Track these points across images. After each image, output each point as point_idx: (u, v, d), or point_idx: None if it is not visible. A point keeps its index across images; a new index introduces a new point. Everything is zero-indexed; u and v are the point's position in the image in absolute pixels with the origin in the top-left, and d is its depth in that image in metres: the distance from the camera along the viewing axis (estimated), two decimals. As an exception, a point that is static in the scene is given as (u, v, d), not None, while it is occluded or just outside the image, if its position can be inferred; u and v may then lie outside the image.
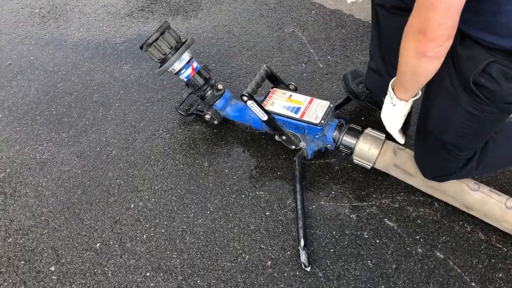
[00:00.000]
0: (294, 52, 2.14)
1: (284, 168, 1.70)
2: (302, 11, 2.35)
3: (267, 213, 1.58)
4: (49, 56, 2.25)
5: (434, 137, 1.32)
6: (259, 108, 1.57)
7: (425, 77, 1.13)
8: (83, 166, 1.77)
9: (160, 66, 1.70)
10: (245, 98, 1.56)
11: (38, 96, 2.05)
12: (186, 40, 1.70)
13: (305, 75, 2.03)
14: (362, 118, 1.84)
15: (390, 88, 1.27)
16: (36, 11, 2.54)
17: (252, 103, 1.56)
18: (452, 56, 1.13)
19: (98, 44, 2.29)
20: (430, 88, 1.26)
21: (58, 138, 1.87)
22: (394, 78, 1.26)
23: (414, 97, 1.24)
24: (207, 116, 1.77)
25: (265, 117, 1.59)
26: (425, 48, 1.00)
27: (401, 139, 1.45)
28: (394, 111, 1.30)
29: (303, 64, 2.08)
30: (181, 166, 1.74)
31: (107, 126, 1.90)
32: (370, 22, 1.55)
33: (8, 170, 1.78)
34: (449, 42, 1.00)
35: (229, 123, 1.85)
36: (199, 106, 1.87)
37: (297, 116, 1.60)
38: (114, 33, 2.34)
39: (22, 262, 1.52)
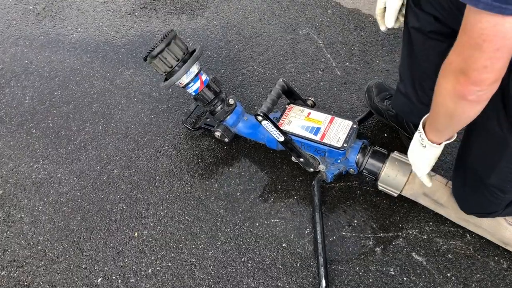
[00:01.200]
0: (309, 58, 1.98)
1: (301, 191, 1.56)
2: (317, 11, 2.18)
3: (284, 245, 1.45)
4: (45, 60, 2.08)
5: (476, 177, 1.18)
6: (275, 128, 1.43)
7: (464, 121, 0.99)
8: (83, 187, 1.63)
9: (166, 79, 1.55)
10: (259, 118, 1.41)
11: (33, 106, 1.90)
12: (195, 51, 1.54)
13: (322, 84, 1.87)
14: (385, 135, 1.70)
15: (420, 127, 1.13)
16: (31, 7, 2.36)
17: (267, 123, 1.42)
18: (502, 94, 0.97)
19: (97, 46, 2.13)
20: (473, 124, 1.11)
21: (56, 155, 1.73)
22: (426, 115, 1.11)
23: (448, 140, 1.11)
24: (217, 134, 1.62)
25: (281, 138, 1.45)
26: (466, 91, 0.86)
27: (428, 183, 1.30)
28: (424, 154, 1.16)
29: (320, 72, 1.92)
30: (189, 188, 1.60)
31: (107, 141, 1.76)
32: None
33: (1, 192, 1.64)
34: (496, 86, 0.85)
35: (240, 139, 1.70)
36: (208, 119, 1.72)
37: (317, 138, 1.45)
38: (115, 34, 2.17)
39: (17, 299, 1.39)
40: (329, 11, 2.18)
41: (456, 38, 0.83)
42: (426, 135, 1.12)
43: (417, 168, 1.24)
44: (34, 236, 1.52)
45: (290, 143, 1.46)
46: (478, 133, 1.10)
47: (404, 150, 1.58)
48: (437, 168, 1.59)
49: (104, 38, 2.16)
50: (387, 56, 1.94)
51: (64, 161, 1.71)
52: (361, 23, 2.10)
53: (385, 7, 1.27)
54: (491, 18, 0.73)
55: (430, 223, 1.47)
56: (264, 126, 1.44)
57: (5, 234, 1.53)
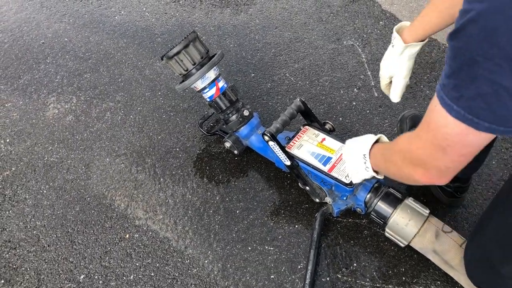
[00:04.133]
0: (347, 72, 1.82)
1: (304, 221, 1.45)
2: (369, 21, 2.00)
3: (272, 277, 1.35)
4: (83, 40, 2.09)
5: (489, 262, 1.02)
6: (281, 151, 1.32)
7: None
8: (88, 177, 1.62)
9: (182, 81, 1.48)
10: (266, 138, 1.32)
11: (62, 85, 1.91)
12: (214, 55, 1.46)
13: (354, 103, 1.72)
14: (411, 172, 1.52)
15: (367, 155, 1.10)
16: (82, -16, 2.38)
17: (274, 144, 1.32)
18: None
19: (136, 32, 2.10)
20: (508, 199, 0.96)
21: (71, 140, 1.73)
22: (374, 150, 1.10)
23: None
24: (227, 144, 1.54)
25: (287, 162, 1.34)
26: (421, 180, 0.85)
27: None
28: (364, 174, 1.16)
29: (355, 89, 1.76)
30: (190, 196, 1.54)
31: (123, 133, 1.73)
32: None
33: (13, 169, 1.67)
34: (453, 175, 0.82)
35: (253, 153, 1.61)
36: (224, 126, 1.64)
37: (325, 169, 1.33)
38: (155, 22, 2.13)
39: (2, 281, 1.41)
40: (381, 22, 1.99)
41: (419, 126, 0.79)
42: (370, 161, 1.10)
43: (351, 176, 1.24)
44: (33, 220, 1.54)
45: (296, 169, 1.35)
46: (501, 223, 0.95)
47: (428, 194, 1.44)
48: (461, 221, 1.41)
49: (144, 24, 2.13)
50: (434, 83, 1.74)
51: (77, 147, 1.70)
52: (413, 40, 1.90)
53: (390, 81, 1.25)
54: (458, 127, 0.67)
55: (438, 282, 1.31)
56: (271, 147, 1.34)
57: (7, 213, 1.56)
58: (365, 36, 1.95)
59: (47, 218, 1.53)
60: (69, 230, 1.50)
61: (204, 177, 1.58)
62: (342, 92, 1.76)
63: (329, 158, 1.34)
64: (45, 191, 1.60)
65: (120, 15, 2.19)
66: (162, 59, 1.44)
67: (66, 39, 2.10)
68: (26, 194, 1.60)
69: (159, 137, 1.70)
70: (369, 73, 1.81)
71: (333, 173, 1.32)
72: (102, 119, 1.78)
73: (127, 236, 1.47)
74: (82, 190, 1.59)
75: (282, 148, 1.32)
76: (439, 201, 1.44)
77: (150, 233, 1.47)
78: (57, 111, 1.82)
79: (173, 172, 1.60)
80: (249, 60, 1.92)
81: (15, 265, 1.44)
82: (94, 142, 1.71)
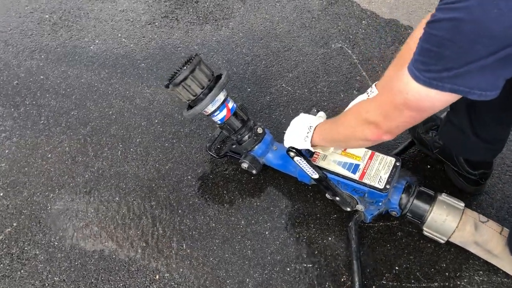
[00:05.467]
0: (343, 75, 1.82)
1: (336, 231, 1.43)
2: (351, 21, 2.01)
3: (318, 294, 1.32)
4: (61, 75, 1.97)
5: None
6: (308, 165, 1.29)
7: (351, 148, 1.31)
8: (100, 221, 1.52)
9: (189, 106, 1.42)
10: (292, 154, 1.29)
11: (49, 127, 1.79)
12: (220, 76, 1.41)
13: (357, 105, 1.72)
14: (428, 167, 1.54)
15: (312, 129, 1.23)
16: (47, 16, 2.25)
17: (300, 159, 1.29)
18: None
19: (116, 60, 2.01)
20: None
21: (72, 183, 1.62)
22: (322, 122, 1.25)
23: (324, 151, 1.27)
24: (244, 165, 1.49)
25: (316, 176, 1.32)
26: (373, 137, 0.99)
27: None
28: (300, 143, 1.26)
29: (355, 91, 1.76)
30: (214, 224, 1.48)
31: (127, 169, 1.64)
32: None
33: (15, 224, 1.54)
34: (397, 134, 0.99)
35: (269, 169, 1.57)
36: (234, 146, 1.59)
37: (356, 177, 1.31)
38: (134, 47, 2.05)
39: None
40: (363, 22, 2.01)
41: (379, 92, 0.96)
42: (312, 136, 1.22)
43: (287, 138, 1.31)
44: (50, 276, 1.42)
45: (325, 181, 1.32)
46: None
47: (450, 185, 1.45)
48: (487, 207, 1.44)
49: (123, 51, 2.04)
50: (429, 75, 1.77)
51: (81, 191, 1.60)
52: (400, 35, 1.93)
53: None
54: (420, 93, 0.81)
55: (481, 272, 1.32)
56: (297, 162, 1.31)
57: (19, 273, 1.44)
58: (351, 37, 1.96)
59: (66, 272, 1.43)
60: (92, 281, 1.40)
61: (223, 202, 1.53)
62: (342, 96, 1.76)
63: (357, 165, 1.33)
64: (56, 243, 1.49)
65: (95, 45, 2.09)
66: (167, 87, 1.37)
67: (42, 77, 1.97)
68: (36, 250, 1.48)
69: (167, 167, 1.63)
70: (364, 73, 1.82)
71: (365, 180, 1.30)
72: (101, 157, 1.68)
73: (157, 277, 1.39)
74: (97, 236, 1.49)
75: (309, 162, 1.30)
76: (462, 191, 1.47)
77: (181, 269, 1.40)
78: (50, 155, 1.71)
79: (190, 202, 1.54)
80: (241, 75, 1.88)
81: (41, 329, 1.33)
82: (99, 182, 1.62)
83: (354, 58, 1.88)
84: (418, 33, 1.13)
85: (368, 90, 1.29)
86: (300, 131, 1.27)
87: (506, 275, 1.30)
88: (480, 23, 0.68)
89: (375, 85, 1.27)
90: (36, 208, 1.57)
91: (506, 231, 1.25)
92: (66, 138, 1.75)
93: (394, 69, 1.21)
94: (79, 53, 2.06)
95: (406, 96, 0.84)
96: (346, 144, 1.22)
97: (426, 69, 0.78)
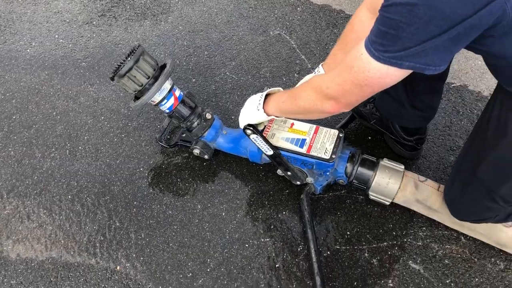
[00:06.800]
0: (283, 60, 1.90)
1: (289, 205, 1.50)
2: (287, 9, 2.09)
3: (277, 265, 1.38)
4: (-1, 80, 1.92)
5: (482, 186, 1.14)
6: (264, 142, 1.35)
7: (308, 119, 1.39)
8: (54, 220, 1.50)
9: (136, 98, 1.44)
10: (248, 131, 1.33)
11: (-10, 133, 1.75)
12: (165, 65, 1.44)
13: (299, 87, 1.80)
14: (369, 138, 1.64)
15: (264, 94, 1.29)
16: (-23, 22, 2.17)
17: (256, 137, 1.34)
18: None
19: (55, 61, 1.97)
20: (488, 132, 1.08)
21: (21, 186, 1.59)
22: (274, 89, 1.31)
23: (276, 117, 1.30)
24: (196, 151, 1.52)
25: (270, 152, 1.37)
26: (331, 110, 1.07)
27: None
28: (253, 113, 1.31)
29: (295, 74, 1.84)
30: (170, 212, 1.50)
31: (77, 166, 1.63)
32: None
33: (-37, 233, 1.50)
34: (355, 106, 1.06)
35: (220, 154, 1.61)
36: (184, 135, 1.61)
37: (303, 150, 1.38)
38: (73, 47, 2.02)
39: None
40: (298, 8, 2.10)
41: (338, 69, 0.98)
42: (264, 104, 1.28)
43: (242, 117, 1.37)
44: (5, 280, 1.39)
45: (279, 157, 1.38)
46: (496, 142, 1.07)
47: (389, 153, 1.55)
48: (425, 169, 1.55)
49: (62, 52, 2.01)
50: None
51: (31, 193, 1.57)
52: (333, 19, 2.03)
53: None
54: (380, 71, 0.87)
55: (424, 228, 1.43)
56: (253, 140, 1.36)
57: (-28, 281, 1.40)
58: (288, 24, 2.04)
59: (22, 274, 1.40)
60: (51, 279, 1.39)
61: (178, 189, 1.55)
62: (284, 79, 1.83)
63: (304, 140, 1.40)
64: (9, 247, 1.46)
65: (32, 47, 2.04)
66: (112, 79, 1.38)
67: (-23, 83, 1.91)
68: (-12, 256, 1.44)
69: (118, 162, 1.63)
70: (303, 57, 1.90)
71: (312, 153, 1.37)
72: (49, 157, 1.66)
73: (118, 268, 1.40)
74: (52, 235, 1.47)
75: (265, 139, 1.35)
76: (401, 157, 1.57)
77: (142, 258, 1.41)
78: (-6, 161, 1.66)
79: (145, 193, 1.55)
80: (185, 67, 1.91)
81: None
82: (49, 182, 1.59)
83: (293, 43, 1.96)
84: (361, 13, 1.22)
85: (315, 71, 1.36)
86: (253, 103, 1.33)
87: (446, 228, 1.41)
88: (432, 6, 0.74)
89: (321, 65, 1.35)
90: (-15, 215, 1.53)
91: (443, 187, 1.37)
92: (10, 143, 1.71)
93: (339, 48, 1.29)
94: (16, 56, 2.01)
95: (367, 74, 0.90)
96: (304, 116, 1.27)
97: (385, 50, 0.84)
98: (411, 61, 0.83)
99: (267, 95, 1.30)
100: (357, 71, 0.92)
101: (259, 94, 1.33)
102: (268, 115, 1.29)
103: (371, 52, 0.86)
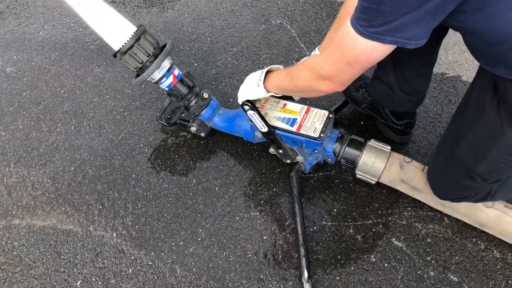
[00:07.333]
0: (283, 48, 1.96)
1: (280, 183, 1.56)
2: (289, 0, 2.16)
3: (265, 237, 1.44)
4: (11, 59, 2.02)
5: (461, 164, 1.19)
6: (260, 119, 1.41)
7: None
8: (57, 189, 1.59)
9: (137, 76, 1.51)
10: (246, 107, 1.39)
11: (1, 108, 1.84)
12: (165, 45, 1.51)
13: (296, 74, 1.86)
14: (361, 123, 1.70)
15: (265, 71, 1.34)
16: (-6, 5, 2.28)
17: (253, 113, 1.40)
18: (505, 85, 1.01)
19: (66, 43, 2.07)
20: (468, 111, 1.13)
21: (27, 157, 1.68)
22: (274, 66, 1.36)
23: (276, 94, 1.37)
24: (193, 129, 1.60)
25: (265, 129, 1.43)
26: (326, 89, 1.11)
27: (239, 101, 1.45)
28: (253, 89, 1.37)
29: (294, 62, 1.90)
30: (166, 185, 1.58)
31: (81, 141, 1.71)
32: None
33: (-29, 198, 1.59)
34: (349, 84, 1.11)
35: (216, 133, 1.68)
36: (183, 114, 1.69)
37: (294, 129, 1.44)
38: (83, 30, 2.12)
39: (-6, 308, 1.36)
40: (300, 0, 2.16)
41: (329, 49, 1.04)
42: (265, 81, 1.33)
43: (241, 97, 1.42)
44: (9, 241, 1.48)
45: (272, 134, 1.44)
46: (475, 122, 1.12)
47: (380, 137, 1.60)
48: (414, 154, 1.60)
49: (73, 35, 2.11)
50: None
51: (37, 163, 1.66)
52: (334, 11, 2.09)
53: None
54: (367, 46, 0.91)
55: (409, 208, 1.48)
56: (250, 116, 1.42)
57: (-23, 241, 1.49)
58: (290, 14, 2.10)
59: (24, 237, 1.49)
60: (51, 243, 1.47)
61: (175, 165, 1.63)
62: (283, 66, 1.89)
63: (295, 119, 1.46)
64: (14, 211, 1.54)
65: (44, 30, 2.14)
66: (115, 56, 1.46)
67: (-9, 62, 2.01)
68: (-6, 219, 1.53)
69: (120, 138, 1.71)
70: (302, 45, 1.96)
71: (302, 131, 1.43)
72: (55, 131, 1.75)
73: (114, 234, 1.47)
74: (54, 202, 1.56)
75: (261, 116, 1.41)
76: (391, 141, 1.62)
77: (137, 226, 1.49)
78: (3, 133, 1.75)
79: (144, 167, 1.63)
80: (188, 52, 1.98)
81: (2, 289, 1.39)
82: (53, 154, 1.68)
83: (293, 32, 2.02)
84: None
85: (313, 53, 1.42)
86: (253, 79, 1.38)
87: (431, 209, 1.46)
88: None
89: (318, 48, 1.41)
90: (-8, 182, 1.63)
91: (427, 169, 1.42)
92: (19, 117, 1.80)
93: (334, 31, 1.34)
94: (28, 38, 2.11)
95: (355, 51, 0.94)
96: (302, 94, 1.37)
97: (369, 25, 0.88)
98: (393, 35, 0.87)
99: (267, 73, 1.35)
100: (346, 48, 0.96)
101: (259, 71, 1.38)
102: (268, 92, 1.35)
103: (357, 28, 0.90)
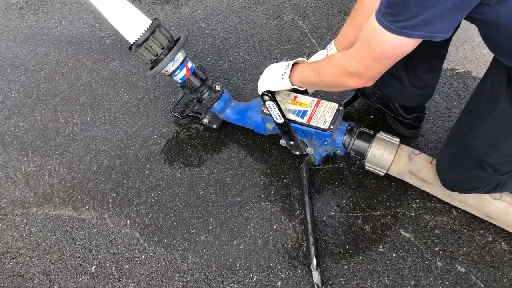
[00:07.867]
0: (294, 43, 1.99)
1: (290, 175, 1.59)
2: (301, -4, 2.19)
3: (275, 227, 1.47)
4: (30, 53, 2.07)
5: (472, 155, 1.20)
6: (277, 110, 1.43)
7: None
8: (73, 178, 1.64)
9: (151, 68, 1.55)
10: (266, 98, 1.41)
11: (20, 99, 1.89)
12: (179, 38, 1.55)
13: (307, 68, 1.89)
14: (371, 116, 1.72)
15: (291, 64, 1.34)
16: (13, 1, 2.34)
17: (272, 104, 1.42)
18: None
19: (82, 38, 2.12)
20: (481, 103, 1.15)
21: (44, 147, 1.73)
22: (299, 59, 1.36)
23: (299, 87, 1.39)
24: (205, 120, 1.63)
25: (280, 120, 1.45)
26: (355, 85, 1.12)
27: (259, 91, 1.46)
28: (276, 80, 1.38)
29: (305, 57, 1.93)
30: (179, 175, 1.61)
31: (96, 132, 1.76)
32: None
33: (-9, 185, 1.64)
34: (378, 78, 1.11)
35: (228, 125, 1.72)
36: (195, 107, 1.73)
37: (304, 120, 1.47)
38: (99, 26, 2.17)
39: (12, 290, 1.40)
40: (313, -4, 2.19)
41: (356, 45, 1.04)
42: (290, 74, 1.34)
43: (262, 83, 1.44)
44: (27, 227, 1.53)
45: (287, 126, 1.46)
46: (488, 113, 1.13)
47: (390, 131, 1.62)
48: (423, 147, 1.62)
49: (89, 30, 2.16)
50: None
51: (54, 153, 1.71)
52: (345, 7, 2.12)
53: None
54: (394, 41, 0.92)
55: (417, 200, 1.50)
56: (268, 107, 1.43)
57: (-3, 226, 1.54)
58: (301, 10, 2.13)
59: (41, 223, 1.53)
60: (67, 229, 1.52)
61: (188, 156, 1.67)
62: (294, 60, 1.92)
63: (305, 111, 1.48)
64: (31, 199, 1.59)
65: (61, 25, 2.19)
66: (130, 49, 1.50)
67: (11, 55, 2.07)
68: (12, 206, 1.58)
69: (134, 129, 1.76)
70: (313, 41, 1.99)
71: (312, 123, 1.46)
72: (71, 122, 1.80)
73: (128, 222, 1.52)
74: (70, 190, 1.61)
75: (279, 107, 1.43)
76: (401, 135, 1.64)
77: (150, 214, 1.52)
78: (22, 124, 1.81)
79: (157, 158, 1.67)
80: (201, 47, 2.02)
81: (20, 272, 1.44)
82: (70, 144, 1.73)
83: (305, 28, 2.05)
84: None
85: (327, 47, 1.42)
86: (277, 71, 1.40)
87: (439, 201, 1.48)
88: None
89: (333, 42, 1.41)
90: (11, 170, 1.67)
91: (436, 161, 1.43)
92: (37, 108, 1.86)
93: (350, 24, 1.34)
94: (46, 33, 2.16)
95: (383, 47, 0.95)
96: (327, 89, 1.40)
97: (395, 20, 0.89)
98: (420, 30, 0.89)
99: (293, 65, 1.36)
100: (373, 45, 0.97)
101: (284, 63, 1.39)
102: (292, 85, 1.37)
103: (383, 24, 0.91)
